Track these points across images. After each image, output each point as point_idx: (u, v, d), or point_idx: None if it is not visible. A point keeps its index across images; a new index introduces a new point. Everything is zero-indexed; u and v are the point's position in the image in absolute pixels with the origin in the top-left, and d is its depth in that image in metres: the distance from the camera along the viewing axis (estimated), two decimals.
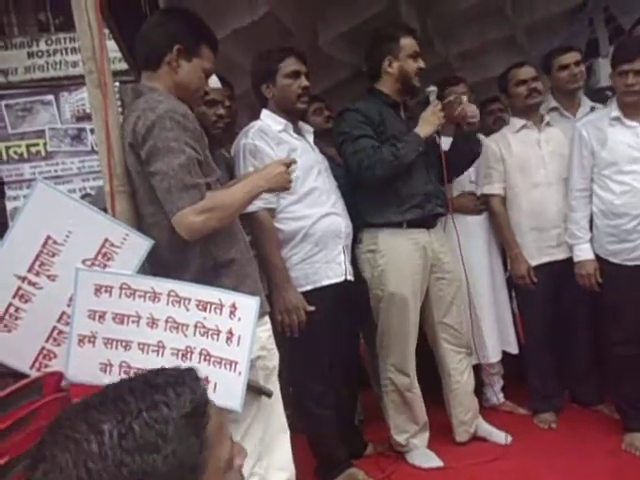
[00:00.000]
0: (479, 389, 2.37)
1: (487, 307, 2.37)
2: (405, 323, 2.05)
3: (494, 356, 2.39)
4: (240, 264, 1.39)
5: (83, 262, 1.22)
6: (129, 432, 0.50)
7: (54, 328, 1.22)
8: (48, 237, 1.21)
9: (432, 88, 2.09)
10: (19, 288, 1.20)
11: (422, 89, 2.15)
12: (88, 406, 0.53)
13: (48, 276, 1.21)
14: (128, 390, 0.54)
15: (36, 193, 1.22)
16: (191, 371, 0.59)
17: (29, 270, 1.20)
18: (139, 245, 1.25)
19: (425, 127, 2.01)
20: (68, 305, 1.21)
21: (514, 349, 2.46)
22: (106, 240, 1.23)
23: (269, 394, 1.38)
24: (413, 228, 2.05)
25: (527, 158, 2.29)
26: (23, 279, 1.20)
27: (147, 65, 1.40)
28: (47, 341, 1.22)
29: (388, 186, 2.01)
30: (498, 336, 2.41)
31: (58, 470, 0.49)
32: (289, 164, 1.48)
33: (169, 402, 0.53)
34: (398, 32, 2.07)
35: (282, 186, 1.48)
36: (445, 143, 2.23)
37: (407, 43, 2.06)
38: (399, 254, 2.04)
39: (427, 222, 2.08)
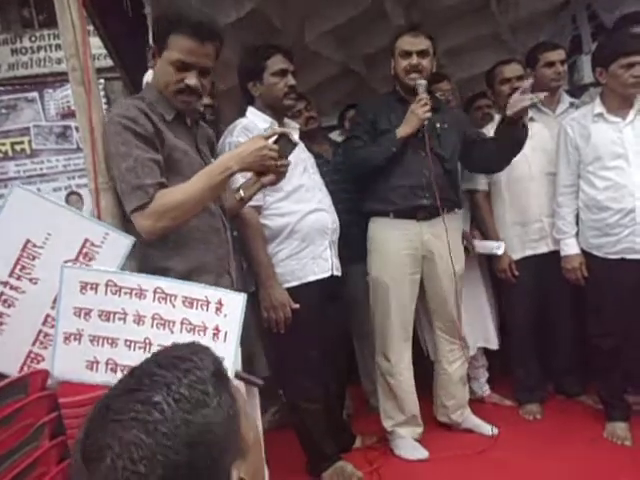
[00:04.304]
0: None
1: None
2: (386, 309, 2.10)
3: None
4: (181, 275, 1.29)
5: (64, 264, 1.22)
6: (181, 397, 0.56)
7: (40, 331, 1.22)
8: (27, 241, 1.20)
9: (420, 81, 2.05)
10: (2, 293, 1.19)
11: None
12: (124, 392, 0.58)
13: (30, 279, 1.21)
14: (157, 367, 0.60)
15: (12, 197, 1.20)
16: (195, 343, 0.66)
17: (10, 275, 1.19)
18: (120, 243, 1.24)
19: (404, 127, 2.02)
20: (52, 307, 1.20)
21: (494, 344, 2.49)
22: (86, 240, 1.23)
23: (258, 385, 1.38)
24: (401, 219, 2.09)
25: None
26: (5, 284, 1.19)
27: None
28: (34, 344, 1.22)
29: (374, 178, 2.08)
30: (472, 331, 2.42)
31: (132, 447, 0.52)
32: (273, 137, 1.33)
33: (198, 366, 0.60)
34: (398, 33, 2.11)
35: (259, 165, 1.32)
36: None
37: (399, 43, 2.08)
38: (385, 242, 2.11)
39: (414, 213, 2.09)
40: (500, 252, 2.29)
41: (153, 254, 1.32)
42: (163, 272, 1.27)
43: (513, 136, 2.04)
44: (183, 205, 1.26)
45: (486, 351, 2.53)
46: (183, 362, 0.60)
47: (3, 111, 6.99)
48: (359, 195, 2.21)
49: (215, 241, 1.42)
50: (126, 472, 0.51)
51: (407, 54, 2.05)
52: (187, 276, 1.30)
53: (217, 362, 0.63)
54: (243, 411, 0.64)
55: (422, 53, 2.04)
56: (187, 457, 0.54)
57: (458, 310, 2.20)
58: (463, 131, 2.19)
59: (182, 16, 1.30)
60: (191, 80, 1.32)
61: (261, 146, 1.30)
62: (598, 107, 2.04)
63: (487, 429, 2.19)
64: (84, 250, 1.23)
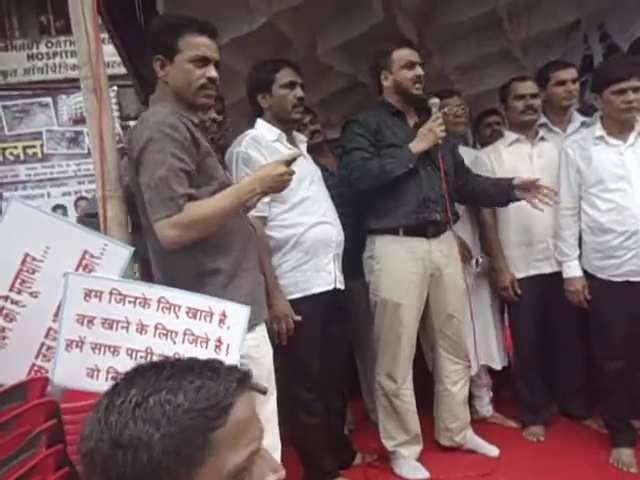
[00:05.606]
0: (468, 401, 2.37)
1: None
2: (395, 330, 2.06)
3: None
4: (229, 274, 1.37)
5: (64, 276, 1.22)
6: (143, 403, 0.56)
7: (42, 344, 1.22)
8: (26, 254, 1.21)
9: (434, 100, 2.05)
10: (3, 308, 1.20)
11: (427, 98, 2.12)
12: (142, 370, 0.61)
13: (30, 293, 1.21)
14: (169, 367, 0.60)
15: (10, 211, 1.21)
16: (242, 375, 0.62)
17: (11, 289, 1.20)
18: (119, 254, 1.25)
19: (420, 143, 2.00)
20: (54, 320, 1.20)
21: (498, 365, 2.45)
22: (85, 252, 1.24)
23: (263, 391, 1.37)
24: (411, 236, 2.06)
25: (517, 171, 2.28)
26: (5, 298, 1.20)
27: (156, 80, 1.46)
28: (37, 358, 1.22)
29: (384, 193, 2.03)
30: (477, 350, 2.37)
31: (99, 410, 0.58)
32: (290, 161, 1.43)
33: (187, 391, 0.57)
34: (391, 46, 2.08)
35: (277, 189, 1.44)
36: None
37: (399, 55, 2.05)
38: (394, 261, 2.06)
39: (425, 230, 2.07)
40: (477, 269, 2.29)
41: (200, 257, 1.36)
42: (212, 273, 1.35)
43: (509, 201, 2.16)
44: (210, 219, 1.32)
45: (490, 370, 2.50)
46: (184, 379, 0.58)
47: (17, 115, 7.09)
48: (358, 210, 2.14)
49: (251, 242, 1.50)
50: (84, 434, 0.57)
51: (412, 65, 2.04)
52: (235, 274, 1.38)
53: (215, 402, 0.57)
54: (221, 474, 0.55)
55: (421, 65, 2.08)
56: (109, 451, 0.55)
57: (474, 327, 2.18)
58: (452, 151, 2.22)
59: (187, 19, 1.38)
60: (212, 72, 1.39)
61: (282, 172, 1.40)
62: (599, 130, 2.04)
63: (489, 450, 2.16)
64: (84, 262, 1.24)
